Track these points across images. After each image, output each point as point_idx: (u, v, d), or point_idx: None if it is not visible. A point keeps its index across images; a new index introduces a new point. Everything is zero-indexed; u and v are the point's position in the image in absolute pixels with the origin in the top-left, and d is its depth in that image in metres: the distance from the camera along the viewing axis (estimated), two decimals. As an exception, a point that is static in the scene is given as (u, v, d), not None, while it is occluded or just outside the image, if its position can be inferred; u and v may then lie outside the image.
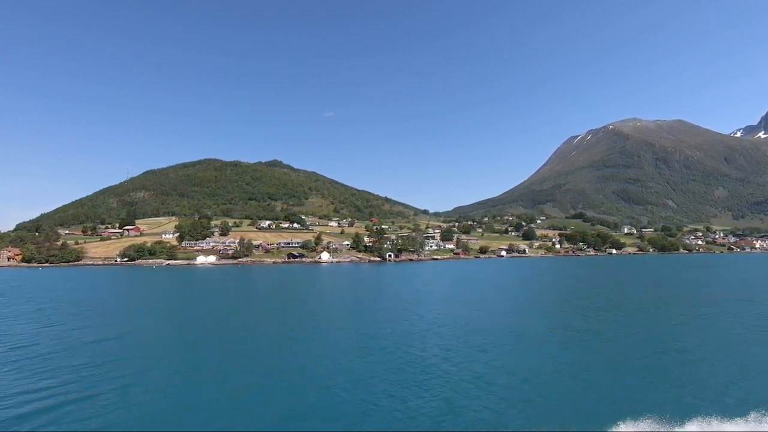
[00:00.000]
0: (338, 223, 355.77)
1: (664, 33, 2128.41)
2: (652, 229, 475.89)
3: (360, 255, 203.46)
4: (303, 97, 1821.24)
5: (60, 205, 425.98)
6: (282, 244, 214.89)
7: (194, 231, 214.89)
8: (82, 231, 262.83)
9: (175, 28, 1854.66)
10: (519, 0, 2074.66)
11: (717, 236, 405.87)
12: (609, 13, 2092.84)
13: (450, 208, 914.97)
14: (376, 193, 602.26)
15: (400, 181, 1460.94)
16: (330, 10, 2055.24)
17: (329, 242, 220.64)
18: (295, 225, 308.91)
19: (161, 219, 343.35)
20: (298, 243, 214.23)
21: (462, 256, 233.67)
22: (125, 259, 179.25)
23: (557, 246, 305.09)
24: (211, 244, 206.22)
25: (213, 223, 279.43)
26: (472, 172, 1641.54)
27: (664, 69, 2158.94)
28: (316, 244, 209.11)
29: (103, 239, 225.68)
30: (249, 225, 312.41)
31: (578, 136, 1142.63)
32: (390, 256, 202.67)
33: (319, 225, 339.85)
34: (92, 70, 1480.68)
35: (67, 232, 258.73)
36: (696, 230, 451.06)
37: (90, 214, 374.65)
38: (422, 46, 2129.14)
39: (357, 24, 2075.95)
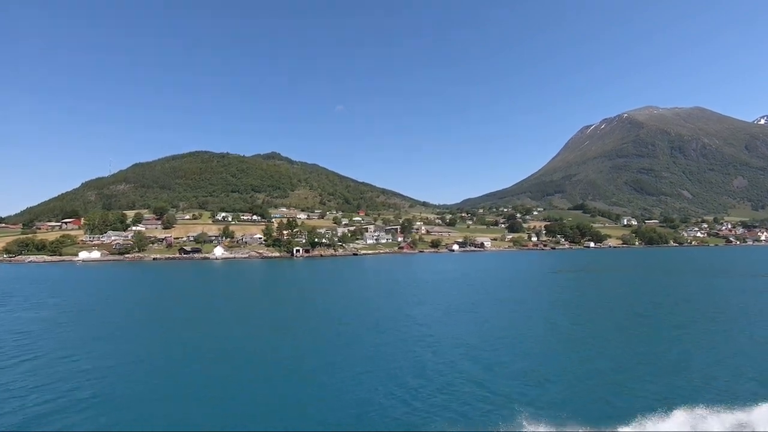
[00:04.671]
0: (308, 216, 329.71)
1: (686, 23, 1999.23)
2: (656, 221, 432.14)
3: (262, 250, 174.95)
4: (312, 91, 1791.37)
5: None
6: (191, 238, 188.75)
7: (103, 224, 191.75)
8: (22, 225, 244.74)
9: (189, 24, 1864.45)
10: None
11: (724, 227, 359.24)
12: (631, 3, 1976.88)
13: (459, 201, 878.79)
14: (379, 186, 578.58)
15: (411, 175, 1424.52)
16: (338, 6, 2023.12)
17: (243, 235, 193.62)
18: (255, 217, 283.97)
19: (129, 213, 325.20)
20: (214, 236, 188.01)
21: (406, 250, 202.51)
22: (9, 255, 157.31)
23: (534, 238, 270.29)
24: (113, 237, 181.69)
25: (168, 217, 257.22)
26: (485, 164, 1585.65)
27: (684, 58, 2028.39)
28: (228, 237, 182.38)
29: (23, 233, 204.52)
30: (208, 218, 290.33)
31: (592, 125, 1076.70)
32: (299, 251, 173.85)
33: (288, 217, 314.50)
34: (108, 66, 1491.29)
35: (2, 225, 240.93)
36: (703, 221, 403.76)
37: (66, 207, 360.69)
38: (434, 39, 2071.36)
39: (366, 17, 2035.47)
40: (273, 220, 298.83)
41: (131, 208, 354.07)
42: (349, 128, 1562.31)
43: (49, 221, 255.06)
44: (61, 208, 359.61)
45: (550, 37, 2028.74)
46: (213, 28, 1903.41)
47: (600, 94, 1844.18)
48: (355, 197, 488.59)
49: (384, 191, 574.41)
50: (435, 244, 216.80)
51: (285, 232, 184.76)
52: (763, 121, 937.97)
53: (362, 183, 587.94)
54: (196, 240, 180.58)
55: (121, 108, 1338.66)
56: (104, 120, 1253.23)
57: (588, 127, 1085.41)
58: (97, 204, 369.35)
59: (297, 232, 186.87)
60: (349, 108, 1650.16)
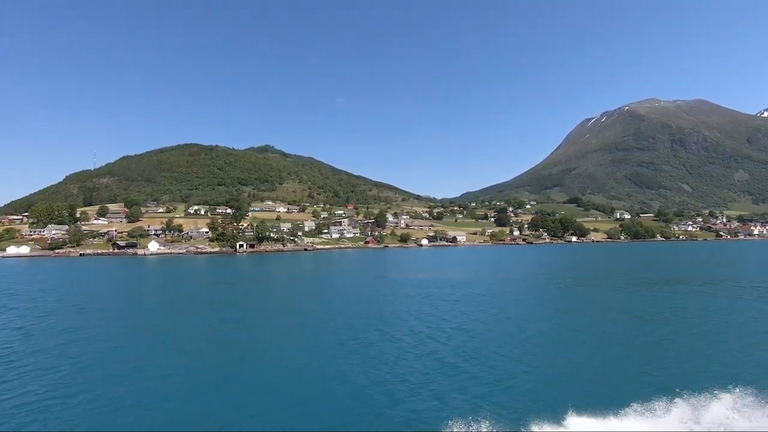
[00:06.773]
0: (288, 209, 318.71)
1: (688, 14, 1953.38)
2: (651, 215, 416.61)
3: (203, 245, 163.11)
4: (312, 83, 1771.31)
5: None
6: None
7: (48, 218, 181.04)
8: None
9: (187, 24, 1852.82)
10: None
11: (719, 221, 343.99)
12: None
13: (458, 194, 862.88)
14: (374, 180, 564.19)
15: (412, 168, 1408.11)
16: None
17: (190, 230, 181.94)
18: (229, 210, 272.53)
19: (109, 206, 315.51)
20: (157, 230, 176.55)
21: (371, 245, 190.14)
22: None
23: (516, 233, 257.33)
24: (53, 231, 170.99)
25: (133, 210, 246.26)
26: (486, 158, 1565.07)
27: (687, 50, 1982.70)
28: (177, 231, 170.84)
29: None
30: (183, 211, 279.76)
31: (593, 118, 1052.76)
32: (242, 246, 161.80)
33: (267, 210, 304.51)
34: (108, 64, 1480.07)
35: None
36: (698, 215, 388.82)
37: (48, 201, 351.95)
38: (436, 31, 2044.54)
39: (368, 10, 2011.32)
40: (251, 213, 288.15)
41: (113, 202, 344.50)
42: (349, 121, 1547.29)
43: (12, 215, 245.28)
44: (42, 201, 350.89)
45: (551, 30, 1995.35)
46: (216, 28, 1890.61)
47: (601, 86, 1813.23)
48: (345, 190, 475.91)
49: (377, 184, 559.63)
50: (404, 239, 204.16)
51: (230, 225, 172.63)
52: (765, 114, 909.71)
53: (356, 176, 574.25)
54: (130, 234, 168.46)
55: (118, 103, 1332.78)
56: (101, 115, 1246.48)
57: (589, 119, 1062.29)
58: (78, 197, 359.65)
59: (246, 226, 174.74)
60: (349, 100, 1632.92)
